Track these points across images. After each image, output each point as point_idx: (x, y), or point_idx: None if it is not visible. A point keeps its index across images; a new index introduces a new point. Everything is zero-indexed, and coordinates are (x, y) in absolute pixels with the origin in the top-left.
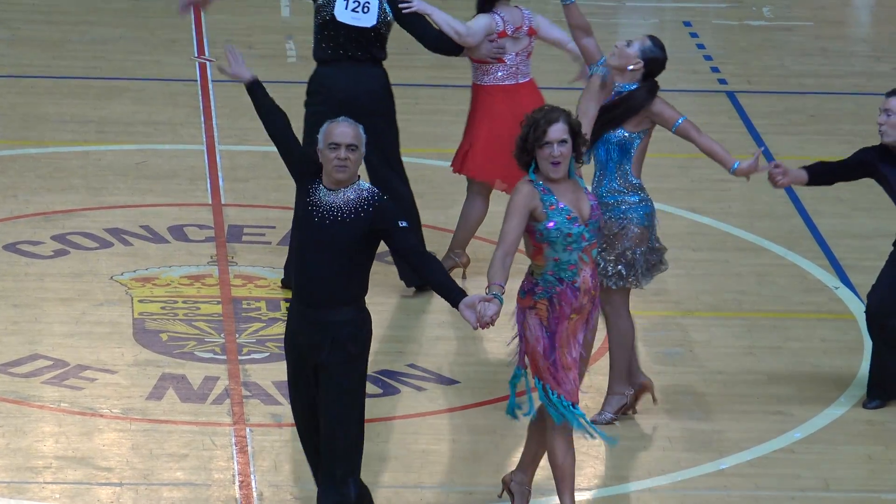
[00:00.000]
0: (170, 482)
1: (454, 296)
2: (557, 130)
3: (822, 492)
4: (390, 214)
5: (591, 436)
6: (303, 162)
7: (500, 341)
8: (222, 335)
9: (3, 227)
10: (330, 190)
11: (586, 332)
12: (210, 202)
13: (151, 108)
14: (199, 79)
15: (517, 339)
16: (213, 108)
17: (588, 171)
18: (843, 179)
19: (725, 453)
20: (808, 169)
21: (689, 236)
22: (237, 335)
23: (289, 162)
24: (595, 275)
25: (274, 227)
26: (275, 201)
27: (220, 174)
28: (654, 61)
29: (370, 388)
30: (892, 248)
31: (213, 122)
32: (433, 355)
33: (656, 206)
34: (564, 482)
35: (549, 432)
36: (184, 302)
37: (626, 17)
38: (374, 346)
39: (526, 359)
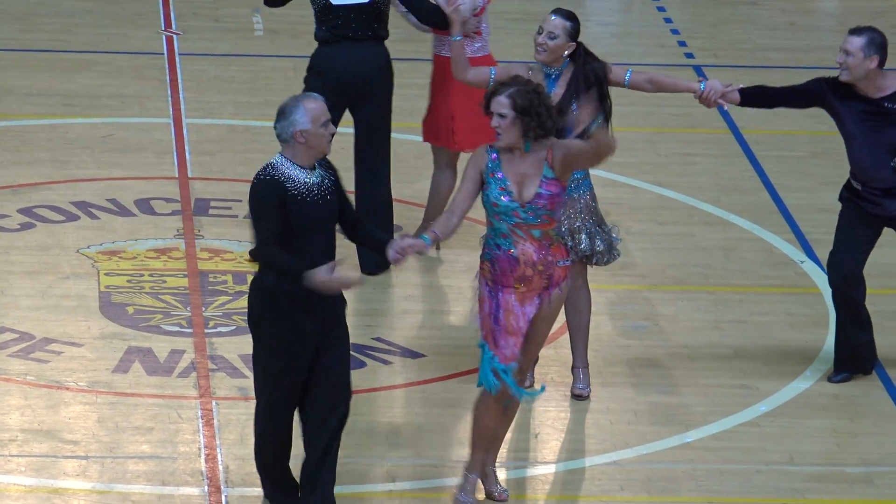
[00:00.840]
0: (136, 455)
1: (383, 242)
2: (497, 104)
3: (788, 465)
4: (340, 182)
5: (520, 397)
6: (280, 204)
7: (464, 314)
8: (189, 308)
9: None
10: (305, 169)
11: (540, 313)
12: (177, 176)
13: (118, 81)
14: (165, 52)
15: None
16: (179, 81)
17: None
18: (786, 105)
19: (691, 427)
20: (743, 91)
21: (656, 210)
22: (203, 308)
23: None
24: (544, 251)
25: (240, 201)
26: (241, 175)
27: (186, 148)
28: (577, 32)
29: None
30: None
31: (181, 96)
32: (399, 329)
33: (623, 179)
34: (480, 439)
35: (481, 392)
36: (150, 275)
37: None
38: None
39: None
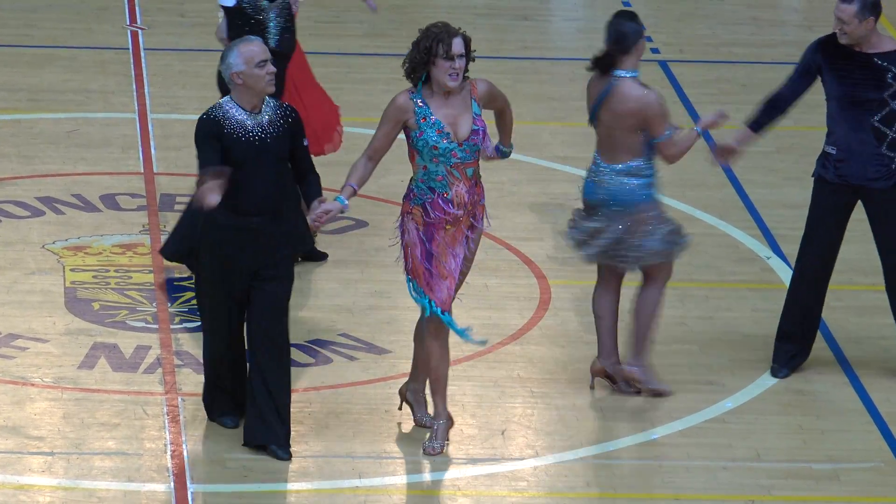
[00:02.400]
0: (101, 451)
1: (314, 197)
2: (459, 44)
3: (754, 462)
4: (301, 129)
5: (462, 335)
6: (216, 143)
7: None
8: (154, 304)
9: None
10: (251, 113)
11: (466, 254)
12: (142, 171)
13: (83, 76)
14: (130, 47)
15: (401, 246)
16: (144, 76)
17: None
18: (798, 98)
19: (657, 423)
20: (755, 123)
21: None
22: (169, 304)
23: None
24: (472, 190)
25: None
26: None
27: (152, 143)
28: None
29: (302, 357)
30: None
31: (146, 91)
32: (365, 325)
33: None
34: (438, 384)
35: (426, 339)
36: (116, 271)
37: None
38: (307, 314)
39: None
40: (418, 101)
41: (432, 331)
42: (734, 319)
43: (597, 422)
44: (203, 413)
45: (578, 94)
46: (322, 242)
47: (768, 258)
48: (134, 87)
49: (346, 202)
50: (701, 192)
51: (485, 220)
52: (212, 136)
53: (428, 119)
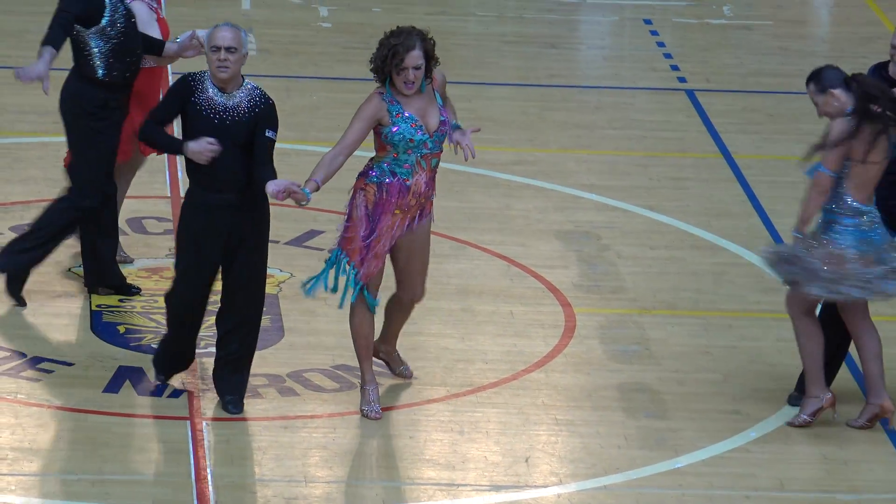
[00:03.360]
0: (126, 475)
1: (265, 181)
2: (414, 57)
3: (777, 491)
4: (270, 121)
5: (369, 308)
6: (175, 99)
7: (459, 337)
8: None
9: None
10: (224, 93)
11: (403, 235)
12: (169, 195)
13: None
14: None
15: (345, 221)
16: None
17: None
18: None
19: (681, 452)
20: None
21: (647, 234)
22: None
23: (177, 111)
24: (430, 183)
25: None
26: None
27: (179, 167)
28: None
29: (327, 382)
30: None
31: None
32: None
33: (614, 203)
34: (366, 350)
35: (358, 309)
36: (141, 295)
37: (587, 14)
38: (333, 340)
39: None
40: (389, 99)
41: (362, 301)
42: (759, 349)
43: (620, 450)
44: (227, 437)
45: (605, 123)
46: None
47: None
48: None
49: (310, 195)
50: (727, 222)
51: (431, 213)
52: (178, 93)
53: (402, 115)
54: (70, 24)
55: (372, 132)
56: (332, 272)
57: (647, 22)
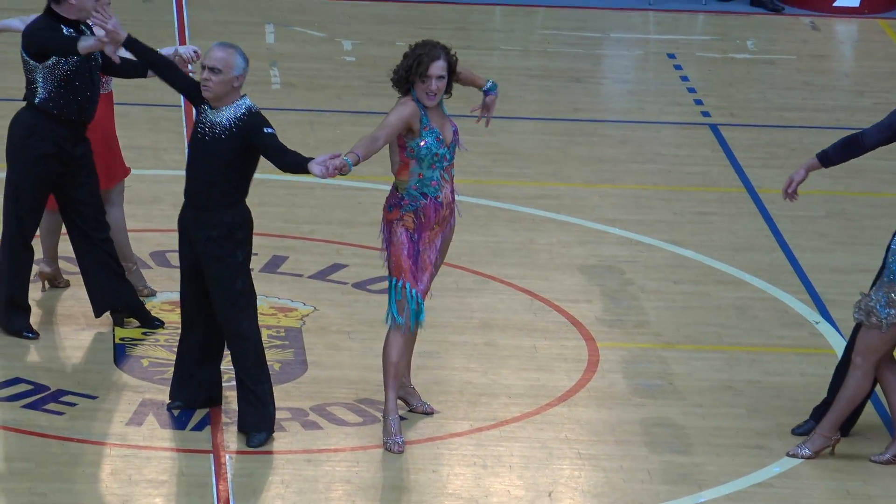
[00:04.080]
0: None
1: (304, 162)
2: (438, 67)
3: None
4: (258, 123)
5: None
6: (189, 89)
7: (482, 371)
8: None
9: None
10: (214, 109)
11: (443, 239)
12: None
13: (134, 133)
14: (182, 104)
15: (386, 252)
16: None
17: None
18: (876, 146)
19: (704, 487)
20: (824, 158)
21: (671, 269)
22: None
23: (189, 96)
24: (453, 189)
25: (256, 254)
26: (257, 228)
27: None
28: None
29: (351, 416)
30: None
31: None
32: (414, 385)
33: (638, 237)
34: (395, 379)
35: (390, 331)
36: (165, 328)
37: (611, 48)
38: (356, 374)
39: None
40: (421, 109)
41: (400, 326)
42: (782, 384)
43: (644, 484)
44: (251, 471)
45: (628, 157)
46: (373, 303)
47: (817, 323)
48: (185, 143)
49: (352, 165)
50: (750, 256)
51: (456, 213)
52: (197, 108)
53: (429, 127)
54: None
55: (390, 149)
56: (398, 303)
57: (671, 56)
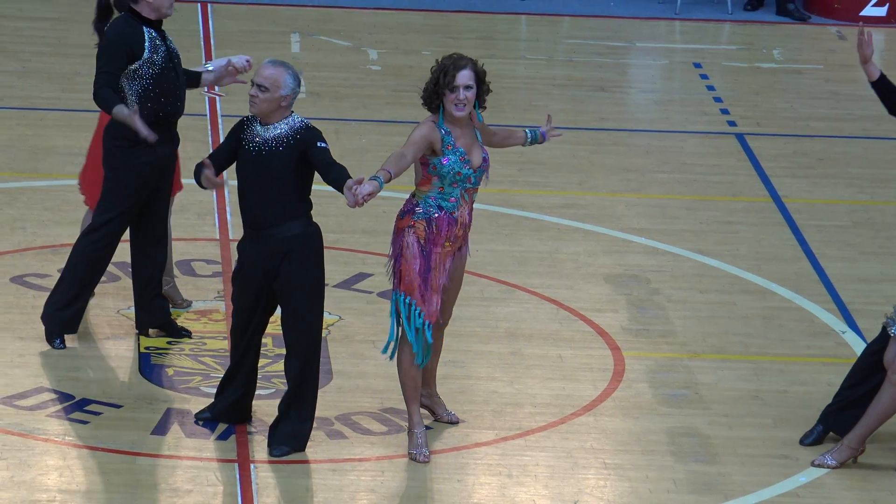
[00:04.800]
0: None
1: (341, 183)
2: (465, 76)
3: None
4: (314, 136)
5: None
6: (232, 140)
7: (507, 381)
8: None
9: (10, 259)
10: (264, 126)
11: (454, 266)
12: (218, 237)
13: None
14: (208, 113)
15: (393, 260)
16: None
17: None
18: None
19: (730, 496)
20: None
21: (697, 278)
22: None
23: (233, 150)
24: (470, 215)
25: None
26: None
27: (227, 209)
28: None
29: (376, 425)
30: None
31: None
32: (439, 395)
33: (664, 247)
34: (415, 392)
35: (401, 345)
36: (190, 337)
37: (637, 57)
38: (381, 383)
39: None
40: (443, 129)
41: (410, 341)
42: (809, 393)
43: (669, 494)
44: (275, 480)
45: (654, 166)
46: None
47: (844, 332)
48: (211, 151)
49: (384, 182)
50: (776, 266)
51: (468, 246)
52: (233, 133)
53: (453, 147)
54: (116, 84)
55: (415, 163)
56: (399, 321)
57: (697, 66)
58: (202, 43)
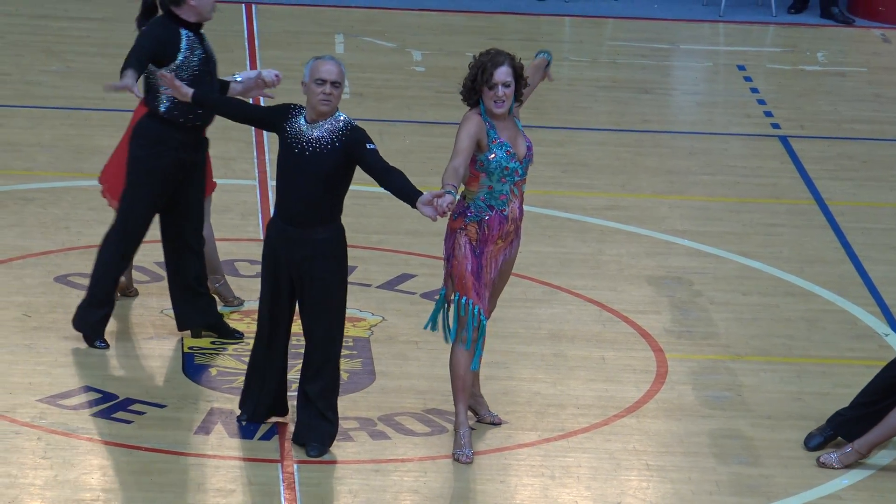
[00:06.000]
0: None
1: (412, 196)
2: (503, 73)
3: None
4: (361, 137)
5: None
6: (272, 115)
7: (550, 382)
8: None
9: (55, 258)
10: (310, 123)
11: (506, 259)
12: (261, 237)
13: None
14: None
15: (446, 261)
16: (265, 143)
17: None
18: None
19: (773, 499)
20: None
21: (740, 280)
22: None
23: (267, 124)
24: (521, 206)
25: (354, 267)
26: None
27: (271, 210)
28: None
29: (419, 426)
30: None
31: (266, 158)
32: (482, 395)
33: (707, 249)
34: (464, 392)
35: (456, 347)
36: (242, 338)
37: (680, 59)
38: (425, 384)
39: (450, 278)
40: (487, 122)
41: (467, 341)
42: (851, 395)
43: (712, 496)
44: (318, 480)
45: (697, 168)
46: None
47: (886, 335)
48: (255, 153)
49: (456, 195)
50: (820, 268)
51: (519, 239)
52: (277, 112)
53: (498, 140)
54: (145, 62)
55: None
56: (450, 315)
57: (741, 68)
58: (246, 44)
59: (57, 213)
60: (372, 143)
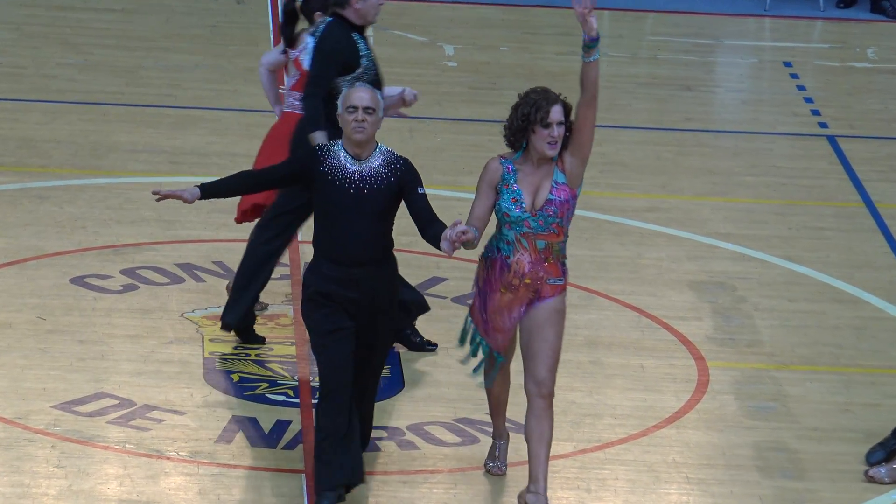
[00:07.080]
0: None
1: (439, 240)
2: (558, 112)
3: None
4: (415, 179)
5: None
6: (294, 168)
7: (587, 391)
8: (296, 378)
9: (70, 259)
10: (356, 159)
11: (522, 318)
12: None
13: (227, 139)
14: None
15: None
16: None
17: None
18: None
19: None
20: None
21: (786, 286)
22: (311, 378)
23: (291, 180)
24: (538, 265)
25: None
26: None
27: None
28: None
29: (449, 436)
30: None
31: None
32: (514, 405)
33: (751, 253)
34: (500, 407)
35: (485, 367)
36: (263, 343)
37: (724, 55)
38: (454, 392)
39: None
40: (508, 166)
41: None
42: None
43: None
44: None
45: (741, 169)
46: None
47: None
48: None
49: (477, 235)
50: (869, 274)
51: (557, 300)
52: (300, 161)
53: (510, 186)
54: (324, 90)
55: None
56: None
57: (788, 65)
58: (271, 37)
59: (73, 211)
60: (423, 186)
